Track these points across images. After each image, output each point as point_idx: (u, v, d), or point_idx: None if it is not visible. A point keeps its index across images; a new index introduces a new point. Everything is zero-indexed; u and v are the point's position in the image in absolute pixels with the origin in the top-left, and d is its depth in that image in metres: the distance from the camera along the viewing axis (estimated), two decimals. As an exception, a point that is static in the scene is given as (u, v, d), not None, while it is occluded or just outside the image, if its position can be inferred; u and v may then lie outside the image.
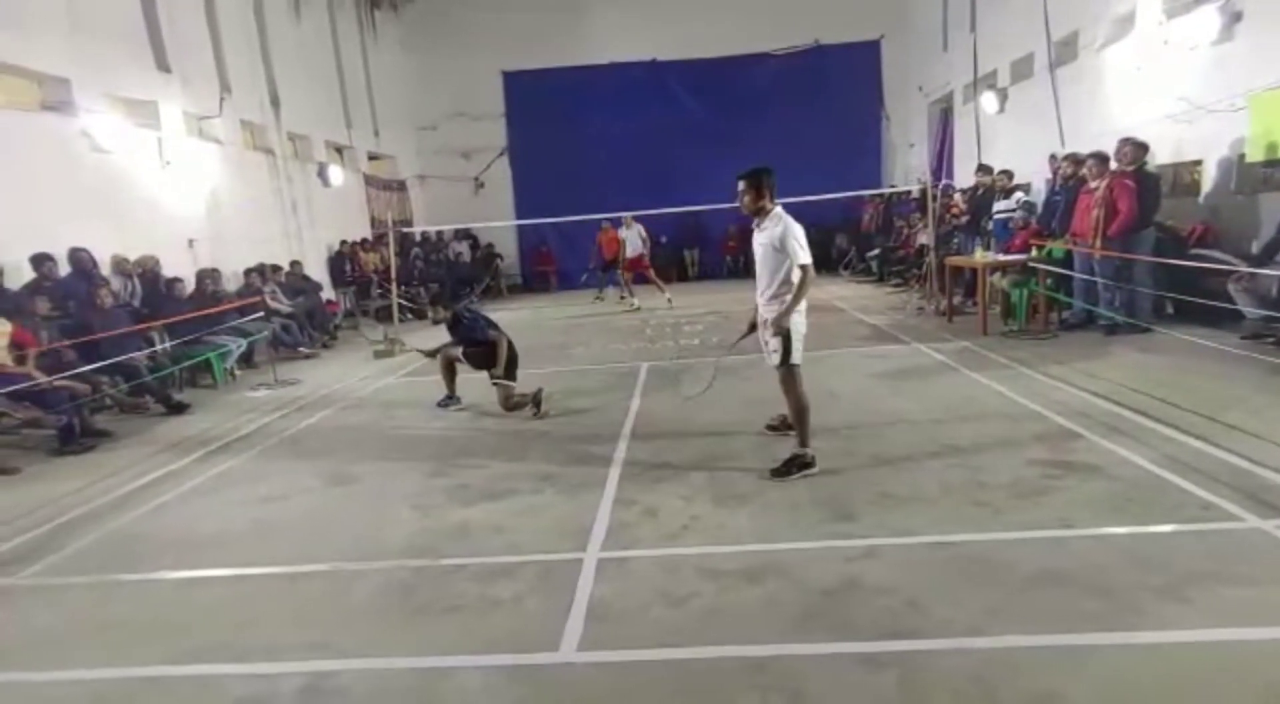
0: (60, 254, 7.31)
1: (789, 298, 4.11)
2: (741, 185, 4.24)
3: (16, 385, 5.70)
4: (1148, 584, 2.72)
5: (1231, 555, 2.90)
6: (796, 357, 4.20)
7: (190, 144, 9.89)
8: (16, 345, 6.10)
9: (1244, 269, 6.41)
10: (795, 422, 4.27)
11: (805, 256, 4.10)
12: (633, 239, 12.99)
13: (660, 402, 6.06)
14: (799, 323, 4.22)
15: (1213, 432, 4.25)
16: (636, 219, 12.96)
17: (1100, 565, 2.90)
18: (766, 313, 4.28)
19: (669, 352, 8.17)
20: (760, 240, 4.26)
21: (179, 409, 7.00)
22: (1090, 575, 2.82)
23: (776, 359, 4.23)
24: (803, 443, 4.22)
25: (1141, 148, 7.28)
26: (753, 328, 4.55)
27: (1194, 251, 7.09)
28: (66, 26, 7.99)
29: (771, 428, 4.85)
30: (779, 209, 4.23)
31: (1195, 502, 3.40)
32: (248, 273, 9.90)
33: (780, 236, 4.12)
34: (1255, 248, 6.98)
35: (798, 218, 4.19)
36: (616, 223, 13.28)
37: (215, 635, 2.91)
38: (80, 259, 7.44)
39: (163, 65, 9.54)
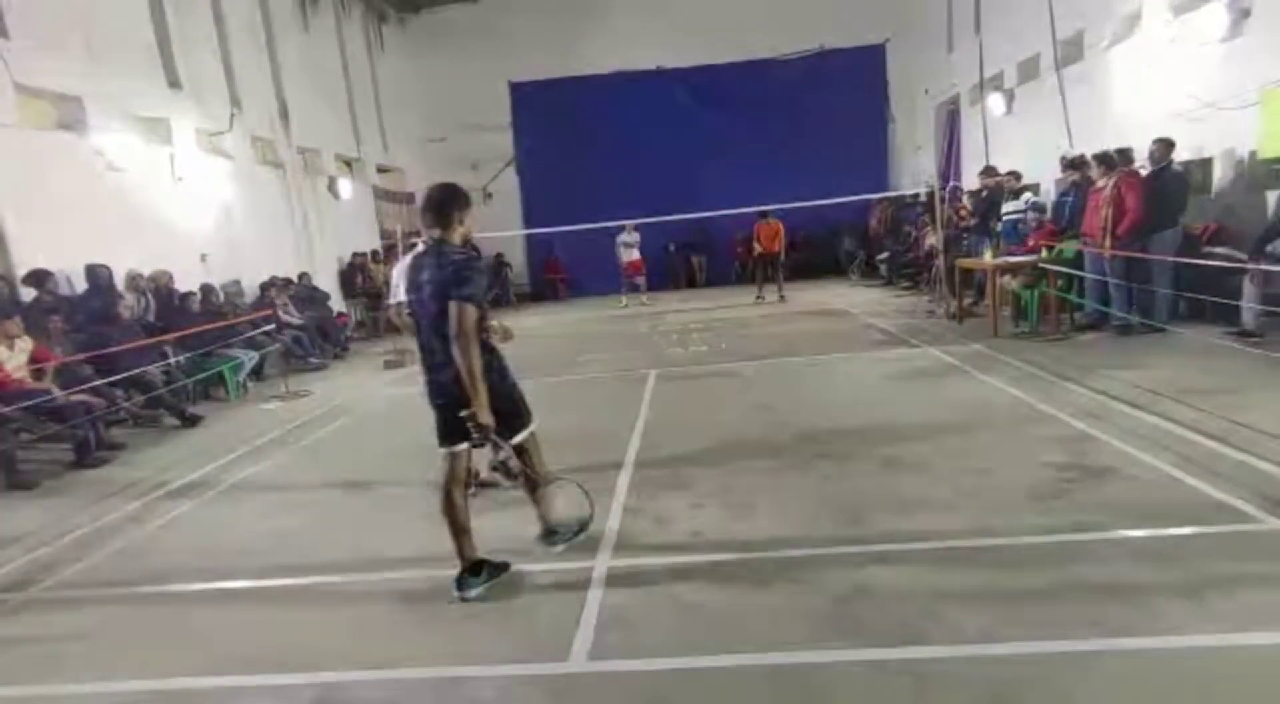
0: (78, 270, 7.41)
1: None
2: None
3: (35, 400, 5.78)
4: (1165, 587, 2.69)
5: (1249, 557, 2.86)
6: None
7: (202, 160, 10.01)
8: (35, 361, 6.18)
9: (1261, 267, 6.33)
10: None
11: None
12: (634, 244, 14.16)
13: (668, 409, 6.07)
14: None
15: (1229, 432, 4.20)
16: (639, 227, 13.93)
17: (1116, 569, 2.86)
18: None
19: (679, 358, 8.16)
20: None
21: (192, 422, 7.06)
22: (1106, 579, 2.79)
23: None
24: None
25: (1167, 145, 7.21)
26: None
27: (1207, 250, 7.02)
28: (80, 47, 8.12)
29: None
30: None
31: (1212, 503, 3.36)
32: (263, 287, 10.02)
33: None
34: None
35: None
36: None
37: (231, 647, 2.93)
38: (99, 275, 7.54)
39: (174, 83, 9.68)
